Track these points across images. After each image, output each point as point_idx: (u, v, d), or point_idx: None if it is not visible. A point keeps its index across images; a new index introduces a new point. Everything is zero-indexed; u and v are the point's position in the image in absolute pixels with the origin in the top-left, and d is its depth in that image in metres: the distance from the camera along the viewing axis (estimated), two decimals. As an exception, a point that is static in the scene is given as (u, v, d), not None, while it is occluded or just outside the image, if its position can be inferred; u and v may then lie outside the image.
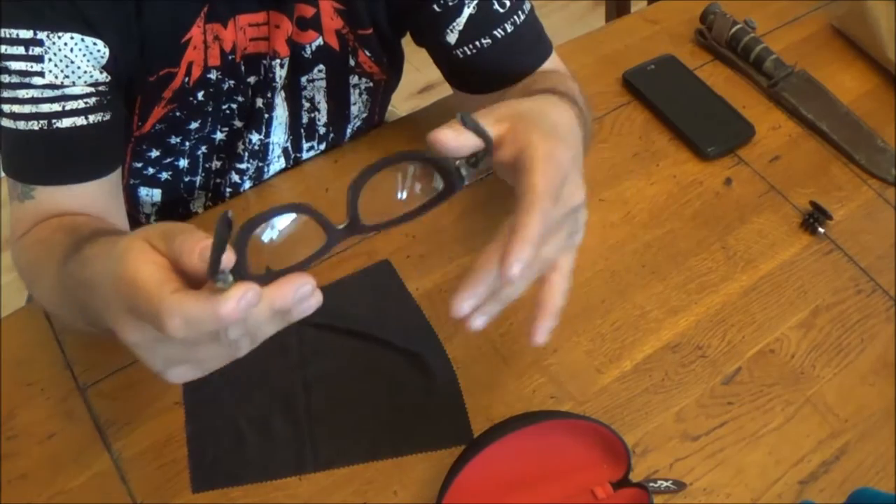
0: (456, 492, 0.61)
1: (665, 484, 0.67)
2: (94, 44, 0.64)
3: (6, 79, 0.63)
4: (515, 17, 0.75)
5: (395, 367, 0.72)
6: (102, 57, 0.65)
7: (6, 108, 0.64)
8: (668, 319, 0.77)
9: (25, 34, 0.62)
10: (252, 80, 0.77)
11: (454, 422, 0.70)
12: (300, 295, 0.42)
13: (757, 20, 0.99)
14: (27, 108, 0.64)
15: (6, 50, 0.62)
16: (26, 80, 0.63)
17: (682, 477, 0.68)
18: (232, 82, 0.76)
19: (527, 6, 0.77)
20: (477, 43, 0.75)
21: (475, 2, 0.74)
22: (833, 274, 0.81)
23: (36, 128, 0.64)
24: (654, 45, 1.01)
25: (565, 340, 0.75)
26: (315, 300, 0.43)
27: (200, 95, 0.75)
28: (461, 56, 0.76)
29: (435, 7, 0.74)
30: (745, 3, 1.05)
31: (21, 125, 0.64)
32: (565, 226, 0.51)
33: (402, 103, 1.00)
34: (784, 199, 0.87)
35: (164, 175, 0.83)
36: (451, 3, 0.74)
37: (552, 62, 0.79)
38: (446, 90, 0.86)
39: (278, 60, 0.75)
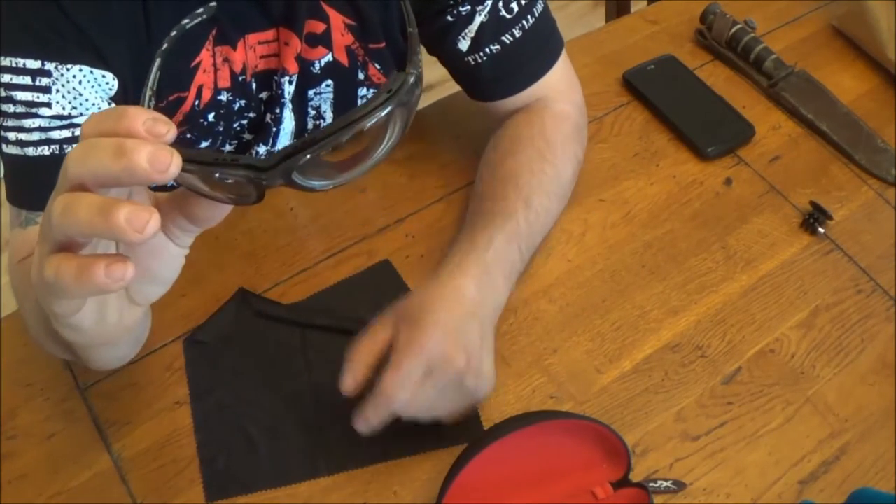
0: (456, 492, 0.61)
1: (665, 484, 0.67)
2: (104, 76, 0.64)
3: (11, 108, 0.62)
4: (524, 21, 0.76)
5: None
6: (111, 89, 0.65)
7: (11, 135, 0.63)
8: (668, 319, 0.77)
9: (33, 64, 0.61)
10: (264, 95, 0.77)
11: (465, 417, 0.69)
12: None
13: (757, 20, 0.99)
14: (35, 136, 0.63)
15: (12, 79, 0.61)
16: (33, 110, 0.62)
17: (682, 477, 0.68)
18: (243, 101, 0.75)
19: (538, 8, 0.77)
20: (487, 49, 0.76)
21: (486, 10, 0.74)
22: (833, 274, 0.81)
23: (47, 153, 0.63)
24: (654, 45, 1.01)
25: (565, 340, 0.75)
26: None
27: (211, 117, 0.74)
28: (472, 63, 0.77)
29: (448, 17, 0.75)
30: (745, 3, 1.05)
31: (30, 151, 0.63)
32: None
33: (401, 103, 1.00)
34: (784, 199, 0.87)
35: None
36: (463, 13, 0.74)
37: (553, 80, 0.80)
38: (446, 90, 0.87)
39: (287, 77, 0.75)
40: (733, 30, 0.98)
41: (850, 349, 0.76)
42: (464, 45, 0.76)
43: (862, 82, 0.99)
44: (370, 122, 0.40)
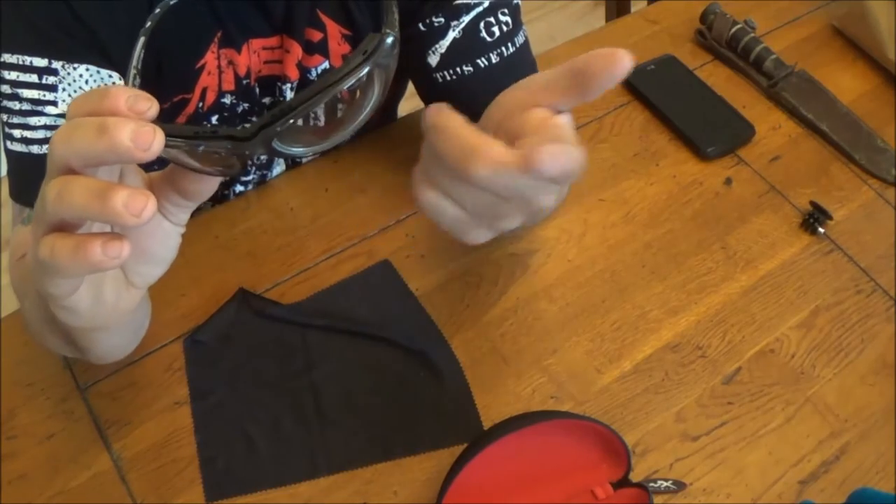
0: (456, 492, 0.61)
1: (665, 484, 0.67)
2: (110, 76, 0.64)
3: (17, 105, 0.62)
4: (504, 48, 0.73)
5: (401, 366, 0.72)
6: None
7: (17, 133, 0.63)
8: (668, 319, 0.77)
9: (40, 62, 0.61)
10: (267, 100, 0.77)
11: (464, 417, 0.70)
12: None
13: (757, 20, 0.99)
14: (40, 134, 0.63)
15: (18, 77, 0.61)
16: (39, 108, 0.62)
17: (682, 477, 0.68)
18: (246, 105, 0.75)
19: (519, 39, 0.75)
20: (458, 69, 0.73)
21: (462, 26, 0.72)
22: (833, 274, 0.81)
23: None
24: (654, 45, 1.01)
25: (565, 340, 0.75)
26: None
27: (214, 120, 0.74)
28: (440, 80, 0.74)
29: (420, 26, 0.73)
30: (745, 3, 1.05)
31: (35, 149, 0.63)
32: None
33: (402, 103, 1.00)
34: (784, 199, 0.87)
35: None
36: (436, 24, 0.72)
37: None
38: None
39: (289, 84, 0.75)
40: (733, 30, 0.98)
41: (850, 349, 0.76)
42: (433, 59, 0.73)
43: (862, 82, 0.99)
44: (347, 85, 0.39)
